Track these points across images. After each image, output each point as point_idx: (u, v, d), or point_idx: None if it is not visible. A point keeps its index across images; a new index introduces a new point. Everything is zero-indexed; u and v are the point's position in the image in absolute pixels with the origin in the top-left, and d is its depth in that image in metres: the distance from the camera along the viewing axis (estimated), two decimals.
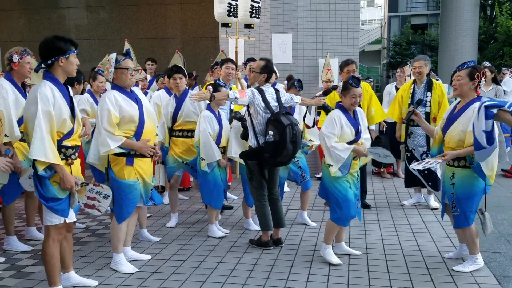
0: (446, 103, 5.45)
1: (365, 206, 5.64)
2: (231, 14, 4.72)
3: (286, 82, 5.13)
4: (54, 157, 3.11)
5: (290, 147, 4.15)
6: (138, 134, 3.79)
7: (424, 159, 5.40)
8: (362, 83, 5.53)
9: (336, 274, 3.81)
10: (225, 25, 4.80)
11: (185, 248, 4.49)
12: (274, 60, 5.38)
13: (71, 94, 3.36)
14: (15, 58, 4.14)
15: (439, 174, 5.48)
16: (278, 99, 4.42)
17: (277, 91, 4.48)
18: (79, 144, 3.42)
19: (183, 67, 5.13)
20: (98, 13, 14.13)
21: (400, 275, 3.77)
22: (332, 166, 3.86)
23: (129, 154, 3.77)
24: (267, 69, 4.42)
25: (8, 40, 13.45)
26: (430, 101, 5.43)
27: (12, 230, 4.50)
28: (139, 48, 12.69)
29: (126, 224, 3.92)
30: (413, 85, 5.56)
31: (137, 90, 3.96)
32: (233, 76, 5.51)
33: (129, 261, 4.02)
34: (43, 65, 3.22)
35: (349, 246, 4.30)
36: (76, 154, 3.37)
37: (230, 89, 5.51)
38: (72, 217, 3.35)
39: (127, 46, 6.39)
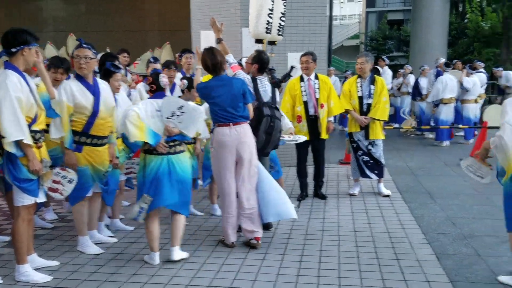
0: (385, 94, 5.86)
1: (322, 196, 5.89)
2: (268, 31, 4.85)
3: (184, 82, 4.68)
4: (29, 138, 3.33)
5: (262, 136, 4.41)
6: (89, 123, 3.96)
7: (370, 149, 5.90)
8: (321, 76, 5.83)
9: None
10: (259, 41, 4.92)
11: None
12: (243, 53, 5.56)
13: (29, 81, 3.52)
14: None
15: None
16: (274, 93, 4.66)
17: (273, 88, 4.69)
18: (44, 127, 3.62)
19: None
20: (76, 5, 14.16)
21: (349, 253, 4.07)
22: None
23: (78, 142, 3.96)
24: (256, 59, 4.61)
25: None
26: (373, 93, 5.87)
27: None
28: (117, 41, 12.76)
29: (86, 207, 4.11)
30: (359, 79, 5.95)
31: (102, 83, 4.15)
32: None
33: (96, 244, 4.20)
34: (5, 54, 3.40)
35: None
36: (43, 137, 3.58)
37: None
38: (42, 197, 3.56)
39: (71, 40, 6.42)
